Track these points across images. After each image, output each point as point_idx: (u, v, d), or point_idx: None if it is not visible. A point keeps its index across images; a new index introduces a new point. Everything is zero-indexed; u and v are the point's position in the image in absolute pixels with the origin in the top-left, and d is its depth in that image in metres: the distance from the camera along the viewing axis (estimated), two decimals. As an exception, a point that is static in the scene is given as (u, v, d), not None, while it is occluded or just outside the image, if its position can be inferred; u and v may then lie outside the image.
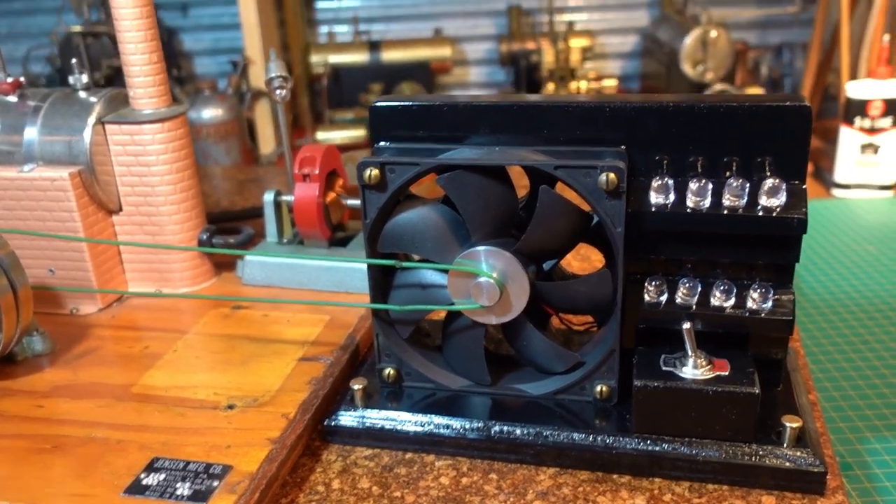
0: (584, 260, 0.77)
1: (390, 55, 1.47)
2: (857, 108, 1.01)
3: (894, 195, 1.04)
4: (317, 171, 0.66)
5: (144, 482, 0.45)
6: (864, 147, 1.02)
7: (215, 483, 0.45)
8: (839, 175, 1.03)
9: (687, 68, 1.31)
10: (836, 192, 1.02)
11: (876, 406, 0.62)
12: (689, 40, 1.28)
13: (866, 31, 1.08)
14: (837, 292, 0.82)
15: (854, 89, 1.01)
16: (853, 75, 1.11)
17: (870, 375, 0.66)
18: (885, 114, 1.00)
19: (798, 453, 0.45)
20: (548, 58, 1.48)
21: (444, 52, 1.49)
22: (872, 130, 1.01)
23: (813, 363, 0.68)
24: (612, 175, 0.45)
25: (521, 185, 0.50)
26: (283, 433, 0.49)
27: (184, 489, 0.44)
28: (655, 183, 0.46)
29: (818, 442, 0.47)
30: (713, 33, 1.28)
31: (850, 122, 1.02)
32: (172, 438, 0.49)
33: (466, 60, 1.63)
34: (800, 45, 1.49)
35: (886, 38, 1.03)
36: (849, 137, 1.02)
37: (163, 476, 0.45)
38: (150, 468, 0.46)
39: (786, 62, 1.49)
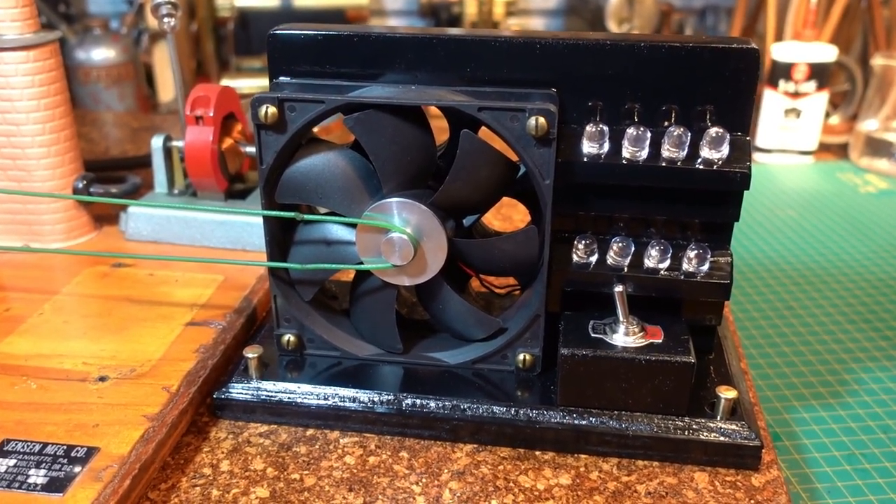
0: (505, 220, 0.72)
1: (303, 0, 1.38)
2: (782, 71, 0.99)
3: (815, 160, 1.03)
4: (211, 113, 0.58)
5: (-10, 469, 0.38)
6: (788, 111, 1.00)
7: (77, 469, 0.38)
8: (761, 139, 1.02)
9: (612, 27, 1.28)
10: (757, 156, 1.01)
11: (802, 374, 0.60)
12: (615, -2, 1.25)
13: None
14: (761, 257, 0.80)
15: (780, 51, 1.00)
16: (779, 38, 1.10)
17: (795, 342, 0.64)
18: (809, 78, 0.99)
19: (732, 426, 0.42)
20: (469, 10, 1.42)
21: None
22: (796, 94, 1.00)
23: (739, 329, 0.66)
24: (541, 119, 0.40)
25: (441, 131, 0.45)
26: (163, 409, 0.43)
27: (38, 477, 0.38)
28: (589, 129, 0.42)
29: (752, 413, 0.44)
30: (639, -9, 1.25)
31: (774, 84, 1.00)
32: (29, 416, 0.42)
33: (384, 10, 1.55)
34: (724, 9, 1.48)
35: (814, 0, 1.01)
36: (772, 101, 1.01)
37: (13, 461, 0.38)
38: (-1, 452, 0.39)
39: (709, 25, 1.49)
